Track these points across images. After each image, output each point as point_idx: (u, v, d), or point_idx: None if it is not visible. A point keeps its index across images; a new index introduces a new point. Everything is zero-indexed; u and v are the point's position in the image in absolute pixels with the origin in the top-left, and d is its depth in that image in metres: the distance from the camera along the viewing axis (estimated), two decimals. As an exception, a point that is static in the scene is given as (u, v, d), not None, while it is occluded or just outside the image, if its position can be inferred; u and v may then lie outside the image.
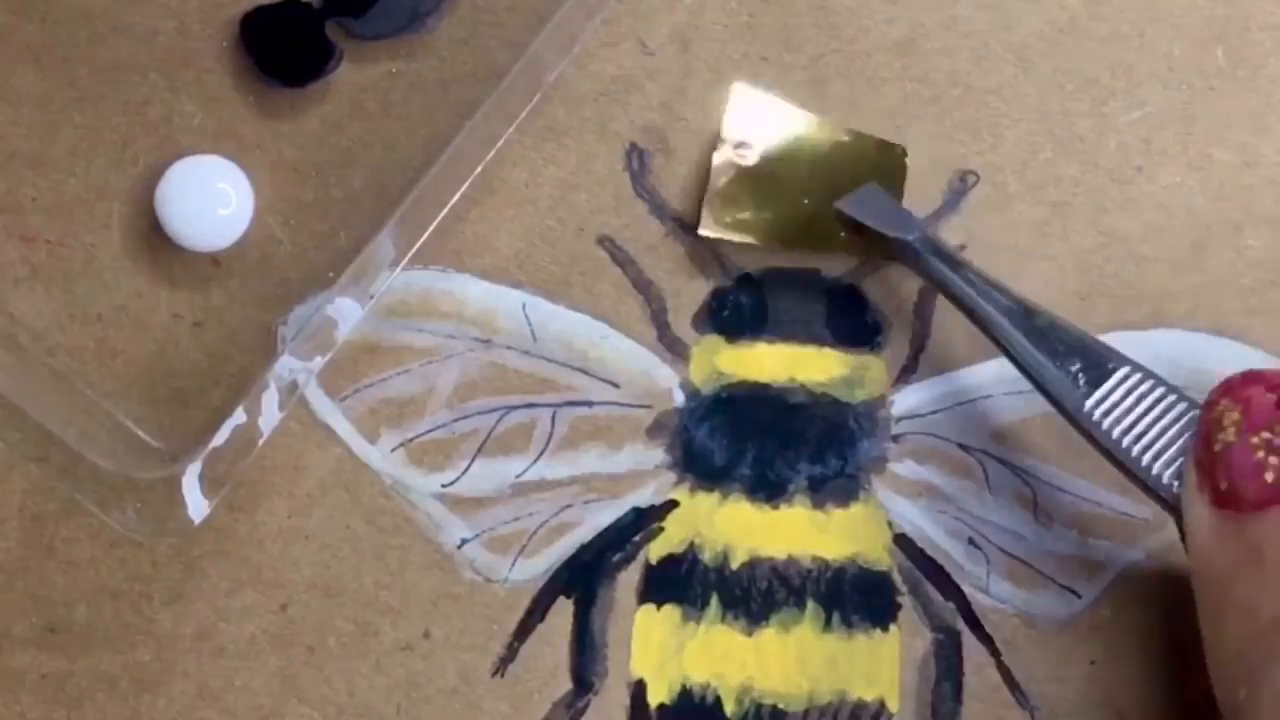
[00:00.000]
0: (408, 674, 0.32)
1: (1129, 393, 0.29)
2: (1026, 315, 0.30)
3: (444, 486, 0.33)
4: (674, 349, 0.33)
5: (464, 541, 0.33)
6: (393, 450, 0.33)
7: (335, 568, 0.33)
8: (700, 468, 0.33)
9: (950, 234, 0.33)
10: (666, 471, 0.33)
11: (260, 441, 0.31)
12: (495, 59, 0.33)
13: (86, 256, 0.33)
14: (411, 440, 0.33)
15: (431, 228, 0.32)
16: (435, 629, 0.32)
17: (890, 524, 0.33)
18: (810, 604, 0.33)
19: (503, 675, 0.32)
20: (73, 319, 0.33)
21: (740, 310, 0.33)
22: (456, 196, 0.32)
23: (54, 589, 0.32)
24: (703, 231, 0.33)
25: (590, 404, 0.33)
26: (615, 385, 0.33)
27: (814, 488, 0.33)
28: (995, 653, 0.32)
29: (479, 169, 0.32)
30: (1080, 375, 0.29)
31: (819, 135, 0.33)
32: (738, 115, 0.33)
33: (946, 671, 0.32)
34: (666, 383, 0.33)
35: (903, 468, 0.33)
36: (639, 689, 0.32)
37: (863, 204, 0.32)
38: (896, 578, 0.33)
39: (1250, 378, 0.28)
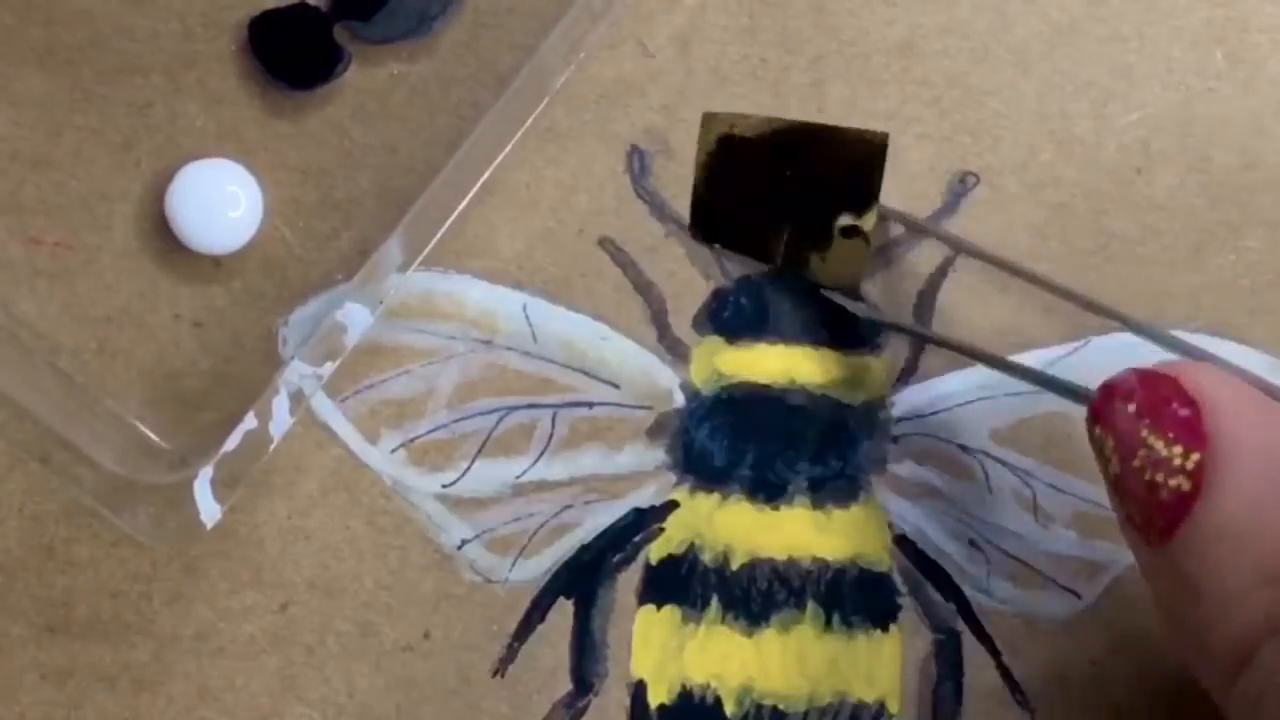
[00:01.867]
0: (408, 674, 0.32)
1: None
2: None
3: (444, 487, 0.33)
4: (674, 350, 0.33)
5: (464, 542, 0.33)
6: (393, 451, 0.33)
7: (335, 568, 0.33)
8: (700, 468, 0.33)
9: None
10: (667, 472, 0.33)
11: (271, 447, 0.31)
12: (501, 63, 0.33)
13: (89, 257, 0.33)
14: (412, 441, 0.33)
15: (440, 233, 0.32)
16: (435, 629, 0.32)
17: (890, 525, 0.33)
18: (810, 605, 0.32)
19: (503, 675, 0.32)
20: (75, 320, 0.33)
21: (741, 311, 0.33)
22: (465, 201, 0.32)
23: (54, 589, 0.32)
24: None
25: (591, 405, 0.33)
26: (616, 386, 0.33)
27: (814, 489, 0.33)
28: (995, 653, 0.32)
29: (487, 173, 0.32)
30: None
31: (797, 136, 0.33)
32: (713, 140, 0.33)
33: (947, 672, 0.32)
34: (667, 384, 0.33)
35: (903, 469, 0.33)
36: (639, 690, 0.32)
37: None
38: (897, 578, 0.33)
39: (1106, 394, 0.26)
